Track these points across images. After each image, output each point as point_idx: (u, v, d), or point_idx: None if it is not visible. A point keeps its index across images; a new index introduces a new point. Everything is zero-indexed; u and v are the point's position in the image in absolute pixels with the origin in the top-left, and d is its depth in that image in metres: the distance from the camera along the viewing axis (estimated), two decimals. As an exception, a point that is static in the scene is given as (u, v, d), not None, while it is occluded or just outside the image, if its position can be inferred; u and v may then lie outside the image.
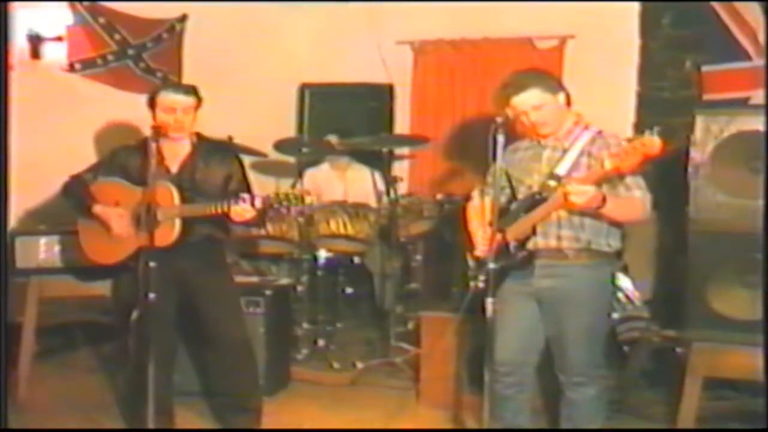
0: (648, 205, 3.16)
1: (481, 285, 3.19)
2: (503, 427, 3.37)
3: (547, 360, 3.37)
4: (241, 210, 3.42)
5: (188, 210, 3.55)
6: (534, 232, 3.20)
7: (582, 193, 2.96)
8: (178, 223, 3.54)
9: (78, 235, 3.81)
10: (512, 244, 3.22)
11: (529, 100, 3.18)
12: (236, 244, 5.09)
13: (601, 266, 3.26)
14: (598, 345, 3.32)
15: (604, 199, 3.00)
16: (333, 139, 5.77)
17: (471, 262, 3.35)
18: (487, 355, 3.20)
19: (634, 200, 3.13)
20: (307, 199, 3.49)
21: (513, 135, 3.34)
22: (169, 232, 3.52)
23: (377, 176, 5.80)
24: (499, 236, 3.16)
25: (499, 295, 3.17)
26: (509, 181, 3.38)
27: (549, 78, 3.30)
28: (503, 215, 3.24)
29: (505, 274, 3.22)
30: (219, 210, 3.46)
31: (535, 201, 3.18)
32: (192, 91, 3.69)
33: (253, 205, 3.41)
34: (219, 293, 3.76)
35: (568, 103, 3.27)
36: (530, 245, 3.23)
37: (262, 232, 5.05)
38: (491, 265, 3.13)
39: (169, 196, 3.54)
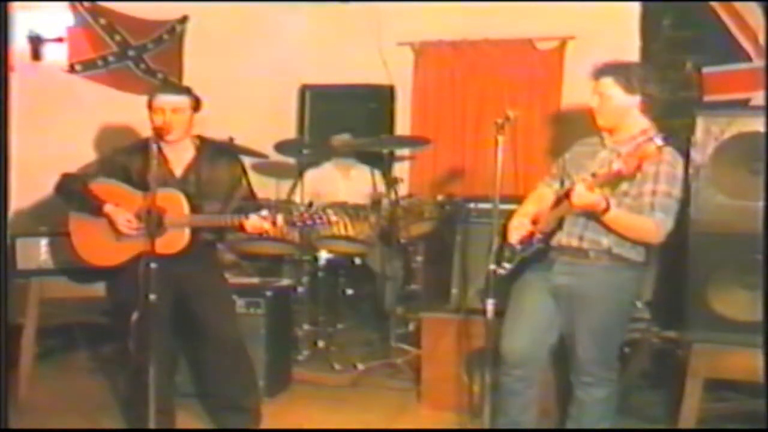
0: (662, 231, 3.10)
1: (502, 272, 3.22)
2: (508, 423, 3.34)
3: (563, 359, 3.37)
4: (259, 225, 3.42)
5: (201, 220, 3.52)
6: (560, 227, 3.20)
7: (580, 195, 2.98)
8: (187, 232, 3.50)
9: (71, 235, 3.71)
10: (536, 237, 3.24)
11: (599, 86, 3.20)
12: (237, 245, 5.08)
13: (623, 270, 3.22)
14: (611, 348, 3.30)
15: (607, 206, 3.00)
16: (345, 137, 5.77)
17: (505, 248, 3.31)
18: (489, 353, 3.21)
19: (647, 223, 3.08)
20: (333, 218, 3.46)
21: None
22: (178, 241, 3.48)
23: (378, 178, 5.80)
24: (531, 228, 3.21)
25: (518, 285, 3.19)
26: (563, 173, 3.39)
27: (633, 75, 3.19)
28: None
29: (526, 266, 3.22)
30: (234, 223, 3.45)
31: (565, 195, 3.16)
32: (182, 91, 3.64)
33: (274, 224, 3.41)
34: (212, 294, 3.73)
35: (644, 109, 3.19)
36: (555, 241, 3.23)
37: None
38: (491, 266, 3.14)
39: (177, 203, 3.49)
